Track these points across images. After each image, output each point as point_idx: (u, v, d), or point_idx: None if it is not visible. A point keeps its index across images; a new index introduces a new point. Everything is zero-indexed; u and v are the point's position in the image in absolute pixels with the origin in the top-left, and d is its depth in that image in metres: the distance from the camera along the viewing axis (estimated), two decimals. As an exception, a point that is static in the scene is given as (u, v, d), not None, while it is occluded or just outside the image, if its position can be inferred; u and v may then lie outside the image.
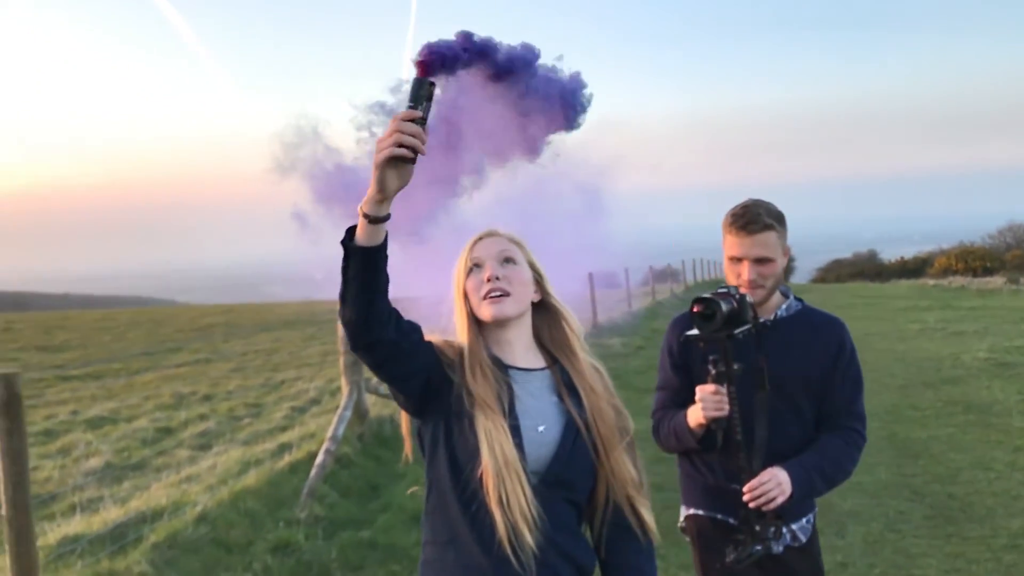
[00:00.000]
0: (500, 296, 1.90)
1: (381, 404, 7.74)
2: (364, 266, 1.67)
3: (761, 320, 2.39)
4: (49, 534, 4.89)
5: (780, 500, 2.29)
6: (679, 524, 2.71)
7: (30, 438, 8.58)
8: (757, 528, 2.33)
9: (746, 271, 2.43)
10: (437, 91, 1.69)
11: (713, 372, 2.29)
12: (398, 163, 1.62)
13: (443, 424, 1.86)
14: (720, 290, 2.30)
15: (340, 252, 1.69)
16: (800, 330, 2.51)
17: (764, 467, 2.35)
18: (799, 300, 2.59)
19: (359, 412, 7.07)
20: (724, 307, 2.23)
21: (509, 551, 1.77)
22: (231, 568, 4.66)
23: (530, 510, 1.78)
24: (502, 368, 1.92)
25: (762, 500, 2.28)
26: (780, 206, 2.53)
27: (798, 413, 2.48)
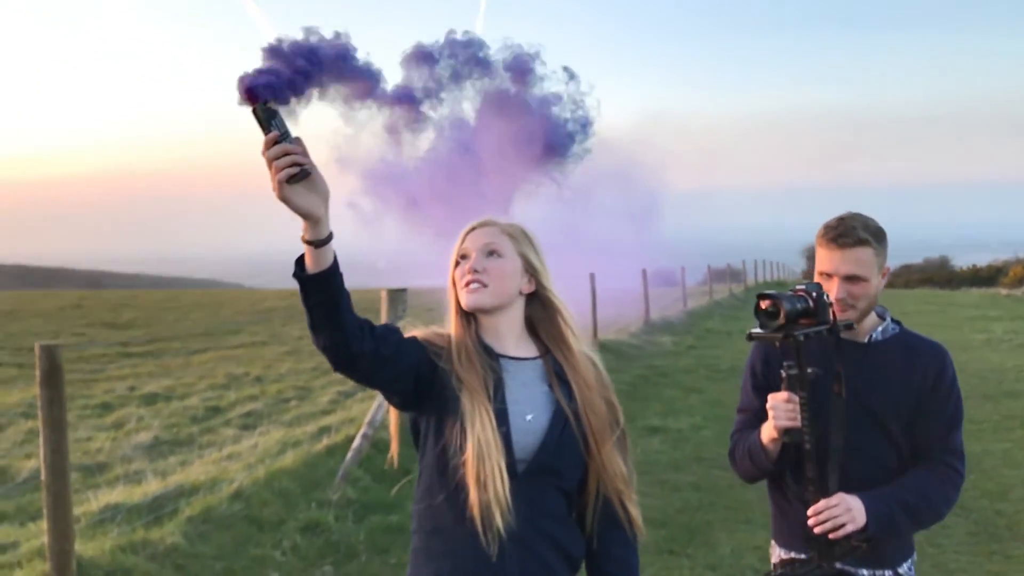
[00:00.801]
0: (478, 287, 1.94)
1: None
2: (322, 290, 1.67)
3: (841, 323, 2.18)
4: (92, 501, 5.06)
5: (849, 529, 2.08)
6: (772, 564, 2.42)
7: (87, 411, 8.92)
8: (821, 562, 2.12)
9: (835, 288, 2.23)
10: (287, 108, 1.67)
11: (785, 376, 2.13)
12: (296, 182, 1.60)
13: (435, 413, 1.90)
14: (799, 287, 2.17)
15: (303, 282, 1.68)
16: (896, 355, 2.30)
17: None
18: (897, 323, 2.37)
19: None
20: (789, 304, 2.07)
21: (480, 529, 1.81)
22: (261, 544, 4.76)
23: (504, 493, 1.81)
24: (492, 356, 1.95)
25: (827, 526, 2.08)
26: (851, 208, 2.36)
27: (891, 444, 2.27)
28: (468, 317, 1.98)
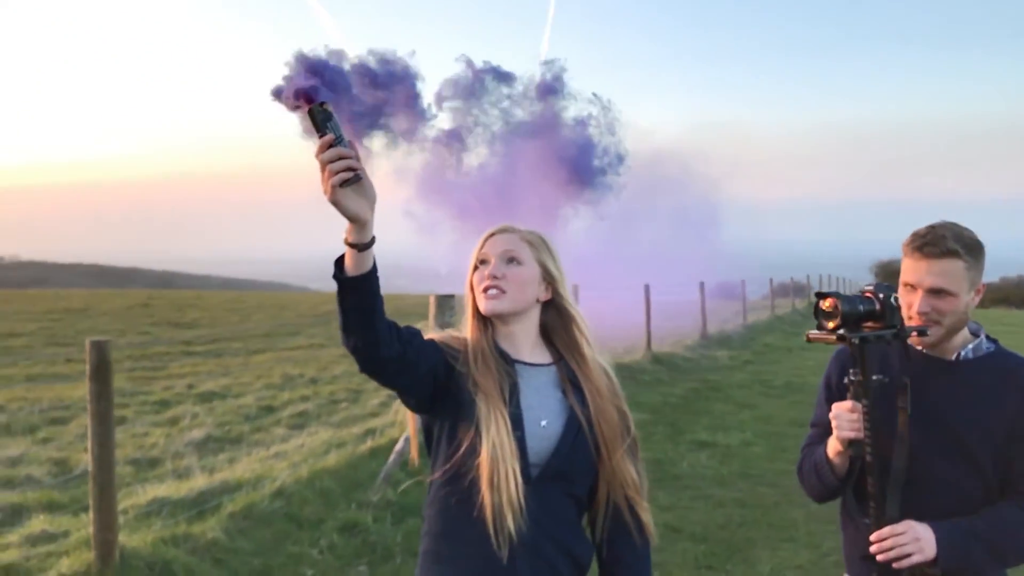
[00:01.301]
0: (496, 293, 1.95)
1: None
2: (360, 294, 1.68)
3: (909, 328, 2.03)
4: (140, 494, 5.20)
5: (916, 559, 1.91)
6: None
7: (145, 406, 9.16)
8: None
9: (918, 302, 2.03)
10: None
11: (850, 384, 2.01)
12: (348, 186, 1.61)
13: (450, 416, 1.91)
14: (867, 287, 2.06)
15: (343, 284, 1.68)
16: (988, 375, 2.08)
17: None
18: (993, 341, 2.16)
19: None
20: (848, 305, 1.97)
21: (492, 532, 1.81)
22: (299, 542, 4.83)
23: (518, 496, 1.81)
24: (508, 361, 1.96)
25: (891, 554, 1.92)
26: (920, 223, 2.14)
27: (977, 474, 2.04)
28: (485, 321, 1.99)
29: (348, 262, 1.66)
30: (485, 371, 1.90)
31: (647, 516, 2.02)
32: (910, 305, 2.06)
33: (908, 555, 1.92)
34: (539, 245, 2.04)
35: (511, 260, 1.98)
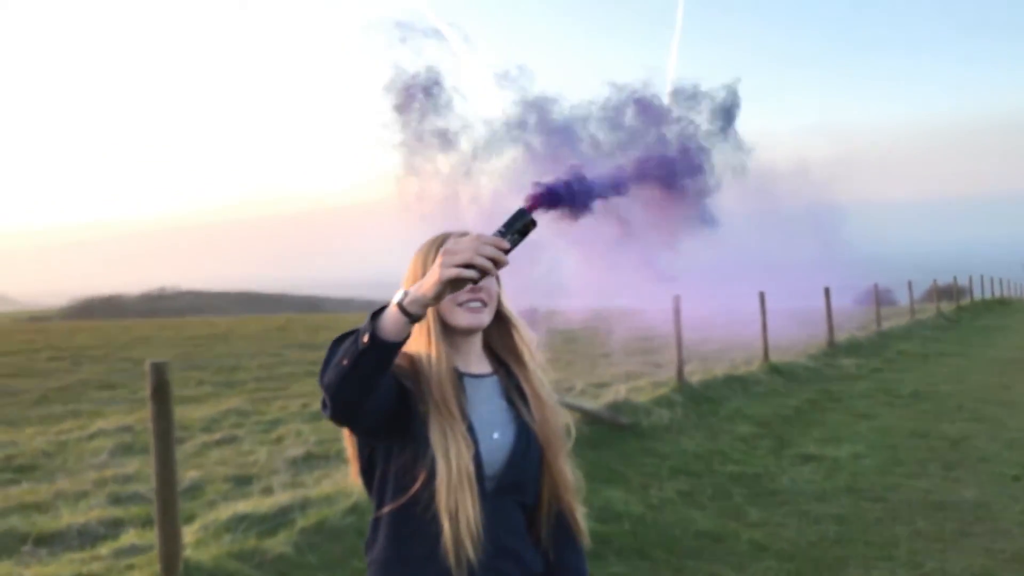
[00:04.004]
0: (479, 307, 1.88)
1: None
2: (384, 360, 1.58)
3: None
4: (221, 509, 5.39)
5: None
6: None
7: (257, 426, 9.52)
8: None
9: None
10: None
11: None
12: (462, 286, 1.54)
13: (400, 441, 1.82)
14: None
15: (363, 336, 1.56)
16: None
17: None
18: None
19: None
20: None
21: (452, 561, 1.76)
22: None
23: (476, 522, 1.76)
24: (458, 375, 1.89)
25: None
26: None
27: None
28: (448, 337, 1.89)
29: (391, 324, 1.55)
30: (449, 391, 1.81)
31: (583, 518, 2.00)
32: None
33: None
34: None
35: None
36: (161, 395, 4.16)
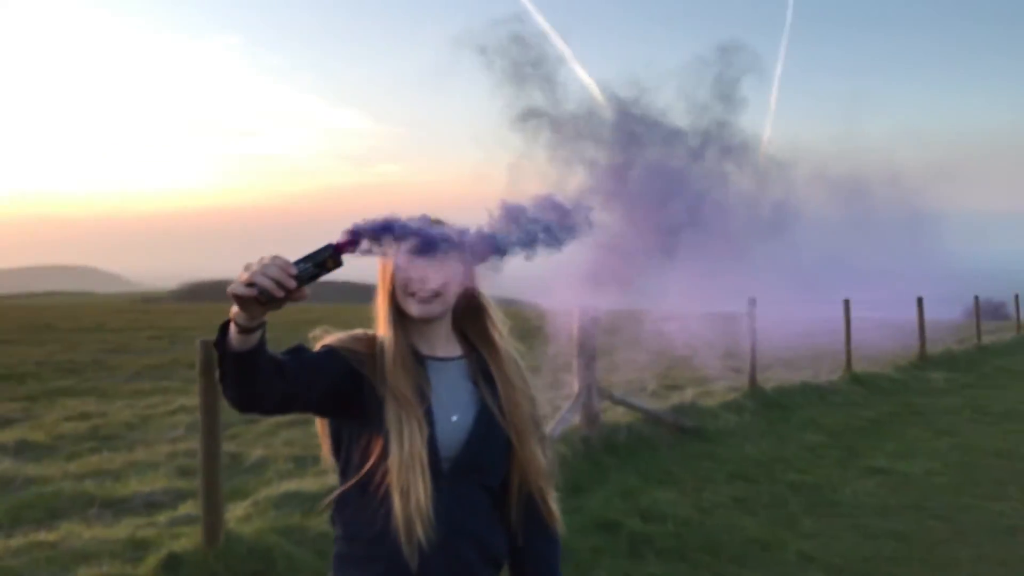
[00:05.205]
0: (430, 296, 1.88)
1: (618, 411, 7.71)
2: (240, 367, 1.57)
3: None
4: (274, 487, 5.57)
5: None
6: None
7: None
8: None
9: None
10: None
11: None
12: (263, 303, 1.49)
13: (359, 422, 1.87)
14: None
15: (223, 356, 1.56)
16: None
17: None
18: None
19: (589, 415, 7.09)
20: None
21: (403, 539, 1.78)
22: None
23: (426, 502, 1.78)
24: (419, 359, 1.91)
25: None
26: None
27: None
28: (403, 321, 1.91)
29: (232, 336, 1.54)
30: (401, 375, 1.84)
31: (555, 505, 2.00)
32: None
33: None
34: None
35: None
36: (208, 372, 4.32)
